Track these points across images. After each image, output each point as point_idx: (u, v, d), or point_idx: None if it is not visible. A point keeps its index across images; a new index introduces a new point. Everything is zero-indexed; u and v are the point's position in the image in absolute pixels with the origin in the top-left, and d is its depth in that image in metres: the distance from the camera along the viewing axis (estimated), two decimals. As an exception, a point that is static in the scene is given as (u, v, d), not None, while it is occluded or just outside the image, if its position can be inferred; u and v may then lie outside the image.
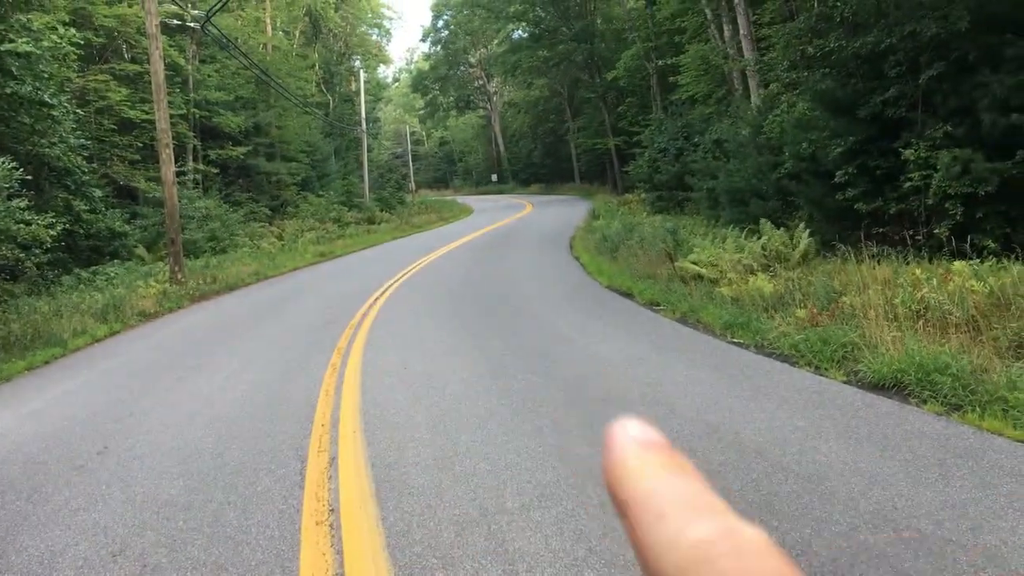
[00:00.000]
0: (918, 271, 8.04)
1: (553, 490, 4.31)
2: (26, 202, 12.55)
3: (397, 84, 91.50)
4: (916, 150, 9.63)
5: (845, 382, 6.11)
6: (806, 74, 12.70)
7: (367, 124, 45.87)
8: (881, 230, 10.42)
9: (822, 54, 11.42)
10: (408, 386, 6.95)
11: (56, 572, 3.84)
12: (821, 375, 6.37)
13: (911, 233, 9.81)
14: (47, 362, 10.11)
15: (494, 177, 67.72)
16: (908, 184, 9.70)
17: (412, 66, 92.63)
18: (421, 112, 77.80)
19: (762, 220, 12.17)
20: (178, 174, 19.59)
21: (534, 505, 4.14)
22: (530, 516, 4.00)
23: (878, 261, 9.20)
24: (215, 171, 27.83)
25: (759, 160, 14.78)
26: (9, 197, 12.23)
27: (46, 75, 16.01)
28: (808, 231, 11.28)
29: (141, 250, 20.30)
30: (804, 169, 12.20)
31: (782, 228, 11.84)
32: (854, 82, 10.98)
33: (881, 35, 10.17)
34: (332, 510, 4.29)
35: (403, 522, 4.06)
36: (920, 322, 6.91)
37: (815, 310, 7.87)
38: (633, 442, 0.35)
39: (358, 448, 5.31)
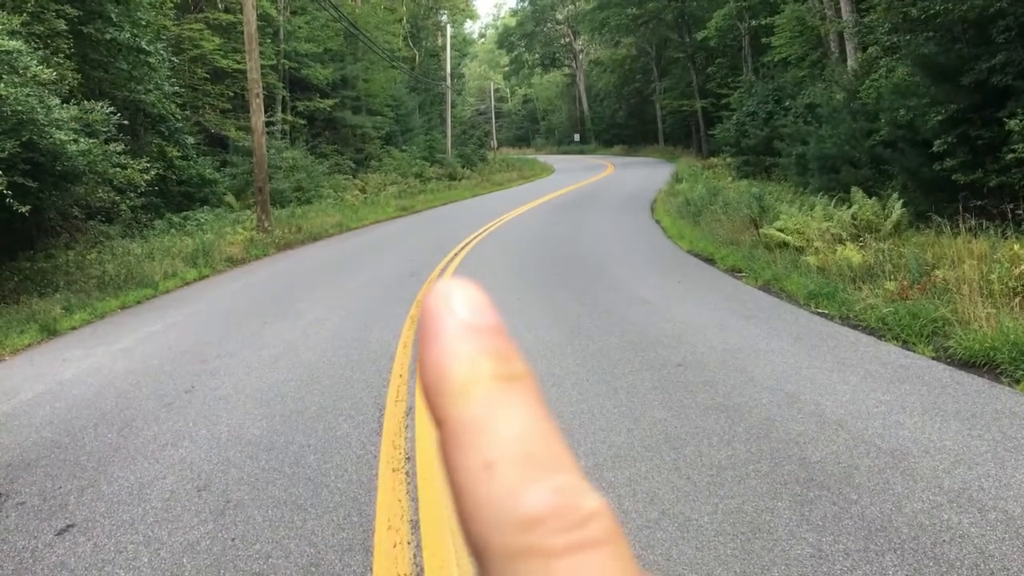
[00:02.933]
0: (1017, 247, 7.69)
1: (627, 451, 4.30)
2: (122, 146, 12.95)
3: (483, 40, 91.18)
4: (1022, 120, 9.18)
5: (934, 358, 5.92)
6: (908, 38, 12.16)
7: (452, 80, 45.88)
8: (979, 203, 9.99)
9: (926, 17, 10.91)
10: (485, 341, 6.99)
11: (144, 503, 4.02)
12: (908, 350, 6.18)
13: (1012, 207, 9.38)
14: (139, 302, 10.51)
15: (576, 137, 67.13)
16: (1011, 156, 9.26)
17: (498, 22, 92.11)
18: (506, 69, 77.46)
19: (853, 188, 11.79)
20: (267, 124, 19.94)
21: (607, 465, 4.14)
22: (603, 476, 4.01)
23: (975, 235, 8.84)
24: (302, 123, 28.23)
25: (853, 126, 14.29)
26: (106, 141, 12.64)
27: (143, 23, 16.41)
28: (901, 201, 10.89)
29: (230, 197, 20.80)
30: (900, 137, 11.75)
31: (874, 197, 11.45)
32: (959, 47, 10.48)
33: (992, -2, 9.66)
34: (408, 458, 4.37)
35: (477, 474, 4.10)
36: (1017, 300, 6.63)
37: (905, 283, 7.62)
38: (462, 329, 0.28)
39: (434, 400, 5.37)
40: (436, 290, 0.29)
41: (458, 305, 0.29)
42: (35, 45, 12.09)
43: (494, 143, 61.51)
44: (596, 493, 0.26)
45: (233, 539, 3.57)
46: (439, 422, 0.26)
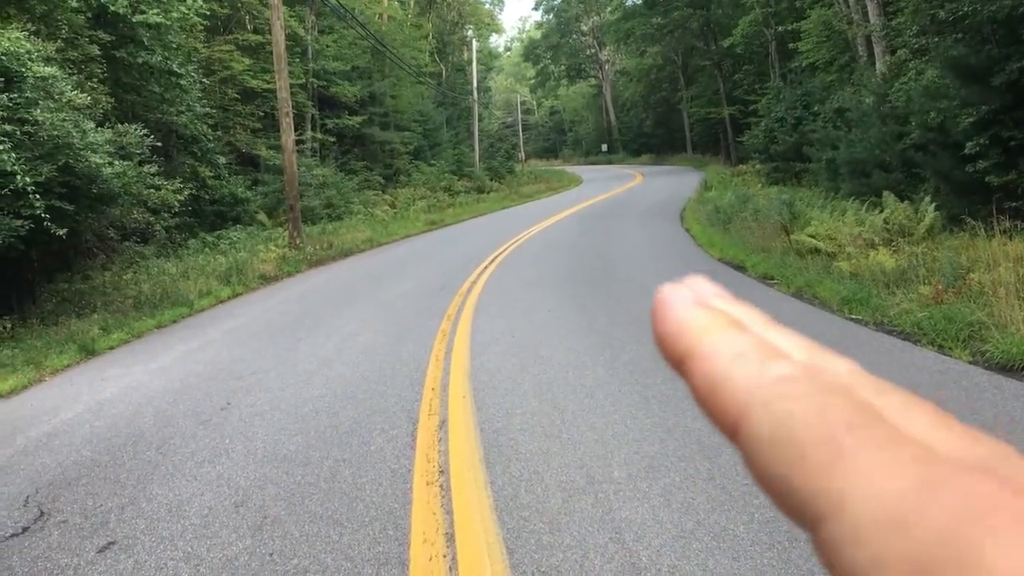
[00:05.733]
0: (1055, 248, 7.59)
1: (661, 461, 4.29)
2: (156, 168, 13.17)
3: (509, 53, 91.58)
4: (1057, 120, 9.05)
5: (971, 362, 5.84)
6: (936, 40, 12.05)
7: (478, 94, 46.11)
8: (1014, 204, 9.84)
9: (955, 18, 10.80)
10: (515, 354, 7.01)
11: (183, 519, 4.07)
12: (945, 354, 6.10)
13: (1048, 208, 9.25)
14: (175, 321, 10.64)
15: (604, 147, 67.08)
16: (1047, 156, 9.14)
17: (524, 35, 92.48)
18: (532, 81, 77.71)
19: (885, 192, 11.68)
20: (297, 142, 20.16)
21: (641, 476, 4.13)
22: (637, 486, 4.00)
23: (1010, 237, 8.71)
24: (332, 140, 28.50)
25: (883, 130, 14.17)
26: (140, 163, 12.86)
27: (174, 45, 16.71)
28: (934, 204, 10.76)
29: (262, 216, 21.04)
30: (931, 140, 11.62)
31: (906, 201, 11.33)
32: (988, 48, 10.36)
33: (1021, -3, 9.55)
34: (442, 471, 4.39)
35: (511, 486, 4.12)
36: (1056, 302, 6.53)
37: (940, 287, 7.53)
38: (693, 300, 0.32)
39: (467, 412, 5.40)
40: (663, 288, 0.33)
41: (686, 290, 0.33)
42: (70, 71, 12.36)
43: (522, 155, 61.69)
44: (845, 359, 0.29)
45: (271, 554, 3.61)
46: (682, 355, 0.30)
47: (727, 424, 0.28)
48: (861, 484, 0.23)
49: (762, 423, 0.26)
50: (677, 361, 0.30)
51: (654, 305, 0.32)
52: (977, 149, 10.09)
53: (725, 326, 0.30)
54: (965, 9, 10.37)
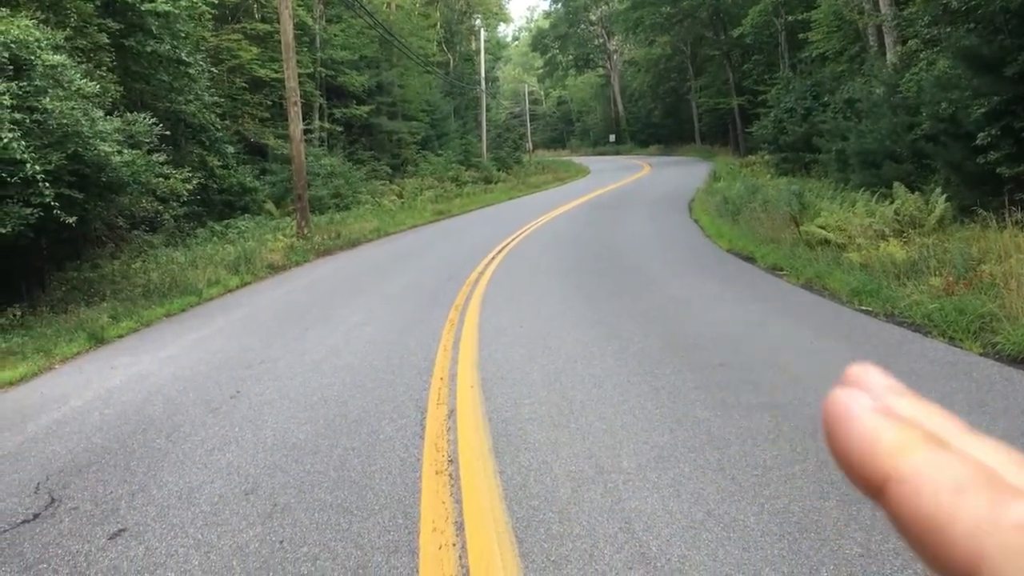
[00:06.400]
0: (1067, 240, 7.54)
1: (670, 452, 4.28)
2: (164, 157, 13.18)
3: (517, 43, 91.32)
4: (1070, 111, 8.98)
5: (981, 354, 5.81)
6: (948, 30, 11.96)
7: (486, 83, 46.00)
8: (1026, 196, 9.80)
9: (967, 8, 10.72)
10: (523, 344, 7.01)
11: (194, 507, 4.08)
12: (955, 346, 6.08)
13: (1060, 200, 9.19)
14: (184, 310, 10.67)
15: (612, 137, 66.88)
16: (1059, 147, 9.07)
17: (532, 24, 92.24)
18: (540, 71, 77.42)
19: (895, 183, 11.62)
20: (305, 132, 20.16)
21: (650, 466, 4.13)
22: (646, 476, 4.00)
23: (1022, 228, 8.66)
24: (340, 129, 28.50)
25: (894, 121, 14.08)
26: (149, 151, 12.87)
27: (183, 34, 16.69)
28: (945, 195, 10.70)
29: (270, 205, 21.06)
30: (942, 130, 11.55)
31: (916, 192, 11.27)
32: (1001, 38, 10.28)
33: (1035, -14, 9.47)
34: (451, 460, 4.39)
35: (520, 476, 4.12)
36: (1068, 294, 6.49)
37: (951, 278, 7.49)
38: (874, 407, 0.28)
39: (476, 402, 5.40)
40: (847, 383, 0.30)
41: (866, 396, 0.30)
42: (79, 59, 12.36)
43: (529, 145, 61.58)
44: None
45: (281, 542, 3.62)
46: (881, 484, 0.27)
47: (955, 571, 0.24)
48: None
49: None
50: (873, 488, 0.27)
51: (827, 415, 0.29)
52: (989, 140, 10.02)
53: (924, 443, 0.27)
54: (977, -1, 10.30)
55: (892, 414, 0.28)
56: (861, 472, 0.27)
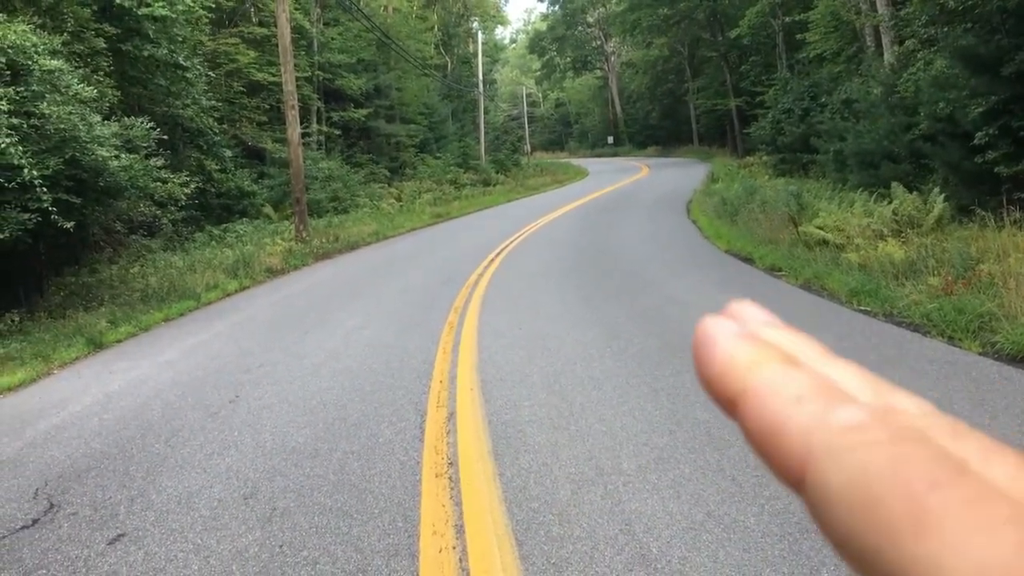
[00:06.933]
0: (1065, 239, 7.54)
1: (670, 453, 4.27)
2: (162, 161, 13.17)
3: (514, 46, 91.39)
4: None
5: (981, 353, 5.81)
6: (945, 29, 11.97)
7: (484, 86, 46.03)
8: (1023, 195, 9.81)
9: (964, 8, 10.72)
10: (523, 346, 7.01)
11: (193, 511, 4.07)
12: (955, 346, 6.07)
13: (1058, 199, 9.19)
14: (182, 314, 10.66)
15: (610, 139, 66.92)
16: (1057, 146, 9.07)
17: (529, 27, 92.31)
18: (537, 74, 77.51)
19: (893, 183, 11.62)
20: (303, 135, 20.15)
21: (651, 467, 4.12)
22: (647, 478, 3.99)
23: (1020, 227, 8.67)
24: (337, 133, 28.51)
25: (891, 121, 14.10)
26: (147, 156, 12.86)
27: (180, 38, 16.69)
28: (943, 195, 10.71)
29: (268, 209, 21.05)
30: (940, 130, 11.56)
31: (914, 192, 11.28)
32: (998, 38, 10.28)
33: (1031, -14, 9.48)
34: (451, 463, 4.39)
35: (520, 478, 4.11)
36: (1067, 293, 6.49)
37: (950, 278, 7.49)
38: (738, 333, 0.30)
39: (475, 404, 5.40)
40: (704, 321, 0.31)
41: (730, 319, 0.32)
42: (76, 64, 12.36)
43: (527, 148, 61.57)
44: (917, 399, 0.27)
45: (281, 546, 3.61)
46: (734, 397, 0.28)
47: (789, 475, 0.26)
48: (954, 553, 0.21)
49: (830, 476, 0.24)
50: (728, 404, 0.28)
51: (695, 341, 0.30)
52: (986, 139, 10.03)
53: (777, 361, 0.28)
54: (974, -2, 10.30)
55: (753, 338, 0.30)
56: (718, 389, 0.29)
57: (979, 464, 0.24)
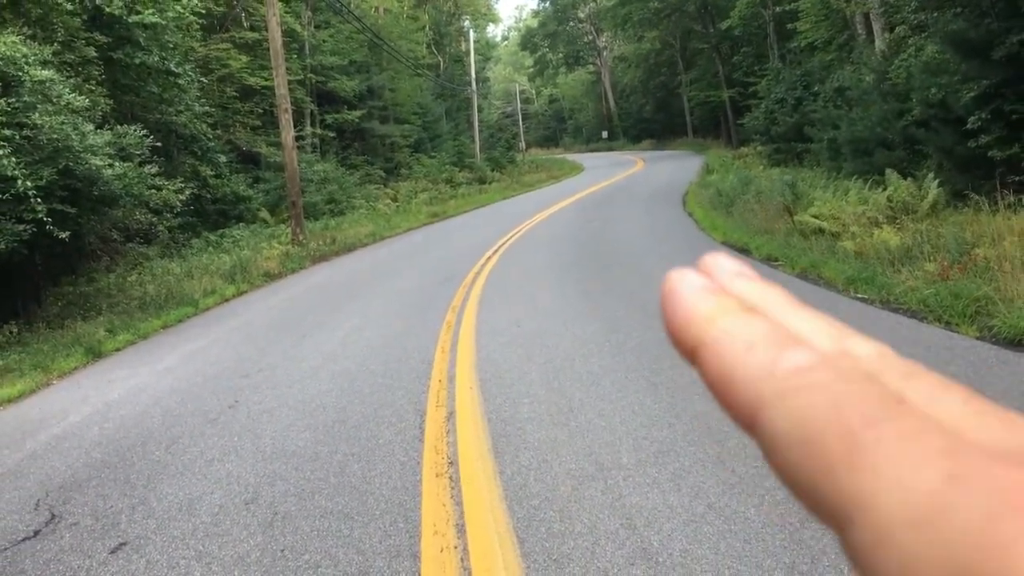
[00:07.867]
0: (1060, 221, 7.54)
1: (669, 446, 4.28)
2: (157, 168, 13.16)
3: (506, 43, 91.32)
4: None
5: (978, 338, 5.82)
6: (935, 15, 11.96)
7: (477, 84, 46.00)
8: (1017, 178, 9.78)
9: (954, -8, 10.75)
10: (521, 343, 7.00)
11: (194, 518, 4.07)
12: (952, 331, 6.08)
13: (1052, 181, 9.19)
14: (180, 320, 10.66)
15: (604, 134, 66.84)
16: (1049, 128, 9.08)
17: (521, 24, 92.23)
18: (530, 70, 77.38)
19: (887, 170, 11.62)
20: (297, 139, 20.14)
21: (650, 461, 4.12)
22: (647, 472, 3.99)
23: (1014, 211, 8.66)
24: (332, 135, 28.49)
25: (884, 108, 14.10)
26: (141, 164, 12.86)
27: (171, 45, 16.68)
28: (937, 181, 10.71)
29: (264, 213, 21.05)
30: (933, 116, 11.55)
31: (909, 178, 11.28)
32: (988, 22, 10.28)
33: (1020, -31, 9.47)
34: (451, 463, 4.39)
35: (520, 476, 4.11)
36: (1063, 275, 6.49)
37: (945, 263, 7.49)
38: (703, 285, 0.30)
39: (475, 403, 5.40)
40: (671, 274, 0.31)
41: (697, 272, 0.31)
42: (67, 73, 12.35)
43: (522, 145, 61.60)
44: (872, 343, 0.28)
45: (282, 550, 3.61)
46: (694, 347, 0.28)
47: (743, 419, 0.26)
48: (884, 482, 0.21)
49: (778, 418, 0.24)
50: (689, 353, 0.29)
51: (662, 294, 0.31)
52: (979, 124, 10.03)
53: (736, 311, 0.29)
54: (964, -18, 10.30)
55: (717, 290, 0.30)
56: (680, 341, 0.29)
57: (925, 402, 0.24)
